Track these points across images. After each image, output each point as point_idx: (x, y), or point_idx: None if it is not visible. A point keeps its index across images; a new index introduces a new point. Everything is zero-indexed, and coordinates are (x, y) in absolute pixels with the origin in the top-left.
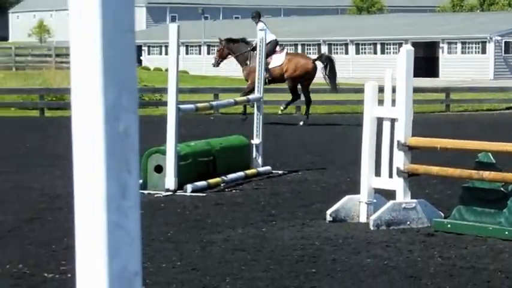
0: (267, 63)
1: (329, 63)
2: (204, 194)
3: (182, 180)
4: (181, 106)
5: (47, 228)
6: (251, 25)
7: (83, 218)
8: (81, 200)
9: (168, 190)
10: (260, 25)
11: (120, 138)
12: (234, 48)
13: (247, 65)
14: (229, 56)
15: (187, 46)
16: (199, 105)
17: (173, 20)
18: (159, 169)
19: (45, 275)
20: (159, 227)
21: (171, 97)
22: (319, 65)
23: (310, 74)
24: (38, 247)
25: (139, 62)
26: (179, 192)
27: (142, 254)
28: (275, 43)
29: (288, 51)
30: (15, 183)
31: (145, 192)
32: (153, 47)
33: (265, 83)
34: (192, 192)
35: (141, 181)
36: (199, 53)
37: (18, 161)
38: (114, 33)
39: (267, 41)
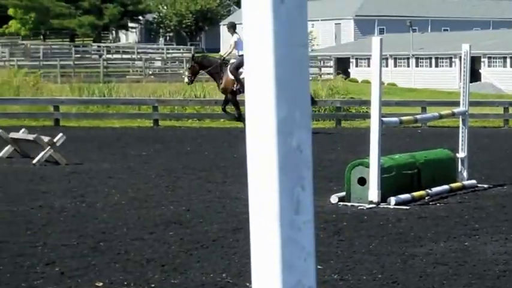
0: (238, 74)
1: None
2: (408, 207)
3: (385, 193)
4: (385, 119)
5: (250, 238)
6: (461, 37)
7: (258, 232)
8: (255, 214)
9: (371, 202)
10: (235, 36)
11: (293, 153)
12: (204, 63)
13: (221, 78)
14: (201, 71)
15: (395, 59)
16: (404, 118)
17: (381, 32)
18: (362, 181)
19: (247, 284)
20: (361, 239)
21: (374, 110)
22: None
23: None
24: (241, 257)
25: (347, 74)
26: (382, 205)
27: (344, 266)
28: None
29: None
30: (222, 194)
31: (349, 204)
32: (361, 59)
33: (237, 94)
34: (395, 204)
35: (344, 193)
36: (408, 66)
37: (225, 171)
38: (286, 48)
39: (241, 54)
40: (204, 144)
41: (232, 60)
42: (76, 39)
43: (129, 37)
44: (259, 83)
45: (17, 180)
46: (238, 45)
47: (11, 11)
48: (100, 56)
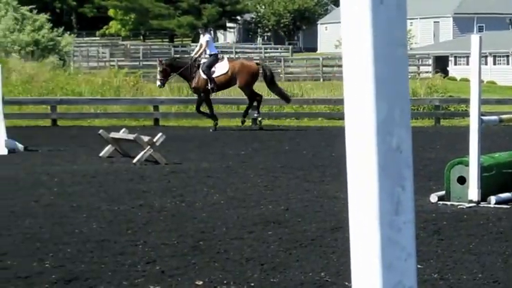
0: (211, 73)
1: (268, 73)
2: (508, 206)
3: (485, 192)
4: (484, 117)
5: (348, 238)
6: None
7: (358, 233)
8: (355, 215)
9: (471, 201)
10: (207, 36)
11: (392, 153)
12: (175, 65)
13: (193, 78)
14: (172, 73)
15: (494, 56)
16: (504, 116)
17: (480, 30)
18: (462, 180)
19: (346, 283)
20: (461, 238)
21: (473, 108)
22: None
23: (257, 74)
24: (339, 256)
25: (445, 72)
26: (482, 204)
27: (444, 265)
28: (216, 56)
29: (228, 58)
30: (320, 193)
31: (448, 203)
32: (460, 57)
33: (210, 93)
34: (495, 203)
35: (443, 192)
36: (507, 64)
37: (323, 170)
38: (385, 48)
39: (211, 53)
40: (302, 143)
41: (203, 61)
42: (175, 40)
43: (228, 37)
44: (359, 83)
45: (118, 179)
46: (209, 45)
47: (111, 12)
48: None
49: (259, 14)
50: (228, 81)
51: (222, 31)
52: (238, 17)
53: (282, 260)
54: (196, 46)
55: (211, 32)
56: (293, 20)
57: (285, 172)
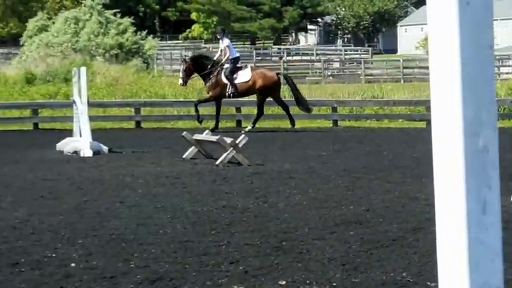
0: (233, 79)
1: (290, 82)
2: None
3: None
4: None
5: (430, 238)
6: None
7: (444, 233)
8: (442, 215)
9: None
10: (226, 41)
11: (480, 154)
12: (198, 65)
13: (210, 78)
14: (194, 73)
15: None
16: None
17: None
18: None
19: (428, 283)
20: None
21: None
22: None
23: (278, 85)
24: (421, 256)
25: None
26: None
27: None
28: (238, 60)
29: (252, 66)
30: (401, 193)
31: None
32: None
33: (229, 97)
34: None
35: None
36: None
37: (404, 171)
38: (473, 49)
39: (232, 57)
40: (382, 144)
41: (226, 65)
42: (256, 42)
43: (308, 39)
44: (446, 85)
45: (201, 181)
46: (230, 49)
47: (193, 16)
48: (280, 58)
49: (339, 16)
50: (248, 89)
51: (303, 33)
52: (319, 19)
53: (363, 260)
54: (218, 51)
55: (229, 35)
56: (373, 22)
57: (366, 173)
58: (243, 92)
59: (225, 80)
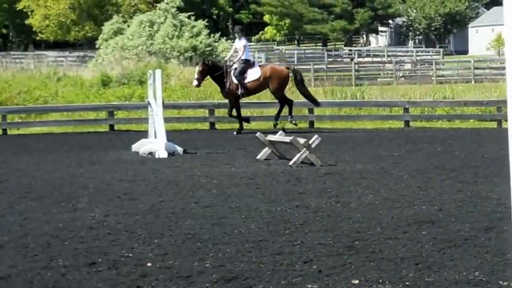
0: (243, 79)
1: (298, 77)
2: None
3: None
4: None
5: (502, 237)
6: None
7: None
8: None
9: None
10: (244, 41)
11: None
12: (214, 67)
13: (224, 83)
14: (210, 74)
15: None
16: None
17: None
18: None
19: (501, 282)
20: None
21: None
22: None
23: (288, 79)
24: (493, 256)
25: None
26: None
27: None
28: (249, 62)
29: (259, 64)
30: (473, 193)
31: None
32: None
33: (240, 98)
34: None
35: None
36: None
37: (476, 171)
38: None
39: (244, 58)
40: (454, 144)
41: (235, 66)
42: (328, 44)
43: (379, 40)
44: None
45: (275, 181)
46: (246, 50)
47: (266, 18)
48: (351, 59)
49: (410, 17)
50: (259, 86)
51: (374, 35)
52: (390, 21)
53: (436, 260)
54: (232, 49)
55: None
56: (444, 24)
57: (437, 173)
58: (254, 90)
59: (235, 81)
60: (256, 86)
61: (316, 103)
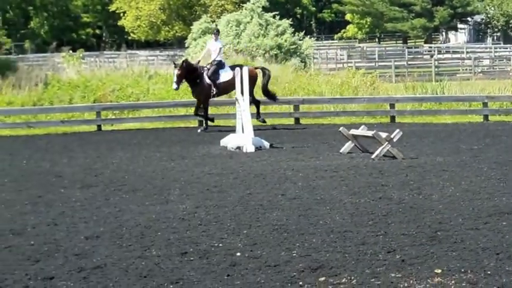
0: (216, 79)
1: (267, 74)
2: None
3: None
4: None
5: None
6: None
7: None
8: None
9: None
10: (220, 43)
11: None
12: (190, 68)
13: (198, 84)
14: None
15: None
16: None
17: None
18: None
19: None
20: None
21: None
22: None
23: (256, 79)
24: None
25: None
26: None
27: None
28: (221, 63)
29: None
30: None
31: None
32: None
33: (213, 97)
34: None
35: None
36: None
37: None
38: None
39: (217, 60)
40: None
41: (208, 67)
42: (408, 41)
43: (458, 37)
44: None
45: (358, 174)
46: (220, 51)
47: (348, 17)
48: (431, 56)
49: (488, 15)
50: (230, 86)
51: (453, 32)
52: (469, 19)
53: None
54: (205, 50)
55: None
56: None
57: None
58: (226, 90)
59: (208, 81)
60: (228, 86)
61: (274, 99)
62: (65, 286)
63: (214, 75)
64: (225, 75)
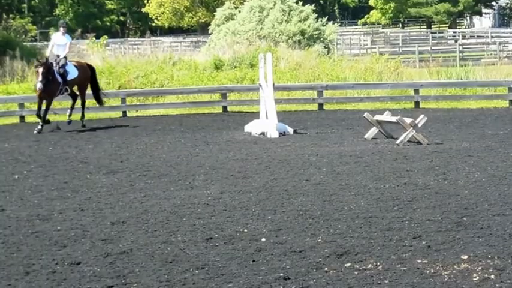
0: (65, 76)
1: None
2: None
3: None
4: None
5: None
6: None
7: None
8: None
9: None
10: (68, 37)
11: None
12: (49, 67)
13: (49, 81)
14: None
15: None
16: None
17: None
18: None
19: None
20: None
21: None
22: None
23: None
24: None
25: None
26: None
27: None
28: (66, 58)
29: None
30: None
31: None
32: None
33: (62, 94)
34: None
35: None
36: None
37: None
38: None
39: (64, 56)
40: None
41: (55, 63)
42: (432, 26)
43: (483, 22)
44: None
45: (382, 159)
46: (66, 46)
47: (371, 2)
48: (456, 41)
49: None
50: (76, 83)
51: (477, 17)
52: (494, 3)
53: None
54: (51, 45)
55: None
56: None
57: None
58: (73, 86)
59: (59, 79)
60: (77, 81)
61: (99, 102)
62: (92, 271)
63: (63, 72)
64: (72, 72)
